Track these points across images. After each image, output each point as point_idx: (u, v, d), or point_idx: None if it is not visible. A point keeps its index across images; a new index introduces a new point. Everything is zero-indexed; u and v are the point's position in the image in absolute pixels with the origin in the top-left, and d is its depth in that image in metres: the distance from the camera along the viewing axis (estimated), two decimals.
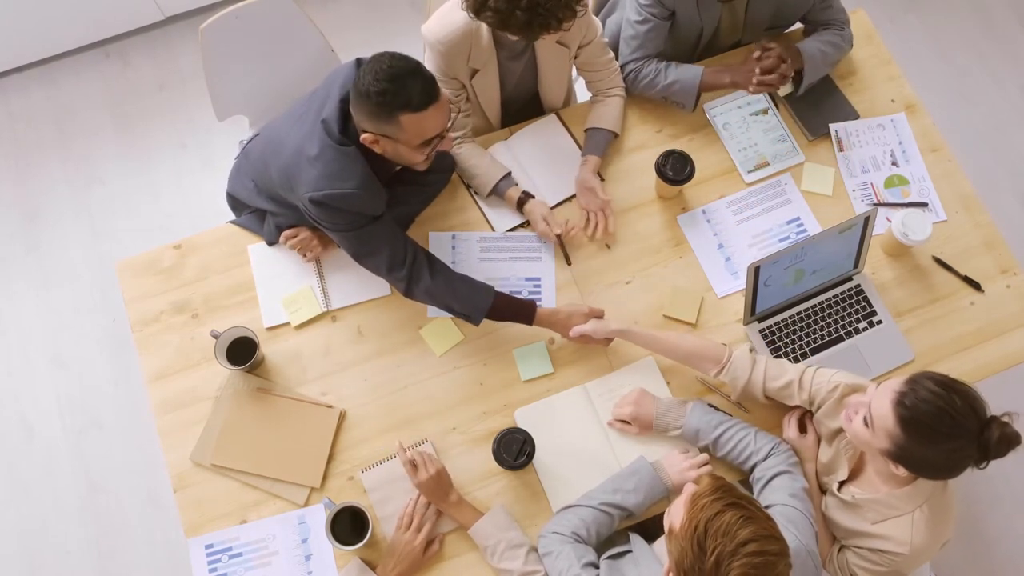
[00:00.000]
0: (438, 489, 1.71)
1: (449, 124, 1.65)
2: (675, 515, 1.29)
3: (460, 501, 1.73)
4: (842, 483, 1.65)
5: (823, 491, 1.71)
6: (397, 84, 1.52)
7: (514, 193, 1.99)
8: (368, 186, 1.68)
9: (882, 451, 1.45)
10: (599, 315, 1.85)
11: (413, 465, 1.70)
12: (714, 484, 1.27)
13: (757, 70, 1.94)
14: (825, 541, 1.68)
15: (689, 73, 2.02)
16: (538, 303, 1.90)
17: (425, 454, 1.73)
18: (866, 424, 1.45)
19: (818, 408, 1.67)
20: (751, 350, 1.75)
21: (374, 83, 1.53)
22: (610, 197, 1.99)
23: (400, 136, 1.60)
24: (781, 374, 1.69)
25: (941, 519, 1.54)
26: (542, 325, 1.85)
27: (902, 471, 1.45)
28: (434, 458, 1.73)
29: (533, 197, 2.00)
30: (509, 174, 2.02)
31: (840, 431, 1.64)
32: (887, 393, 1.41)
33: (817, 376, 1.67)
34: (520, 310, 1.84)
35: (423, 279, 1.79)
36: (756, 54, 1.96)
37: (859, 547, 1.61)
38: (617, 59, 2.09)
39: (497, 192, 2.01)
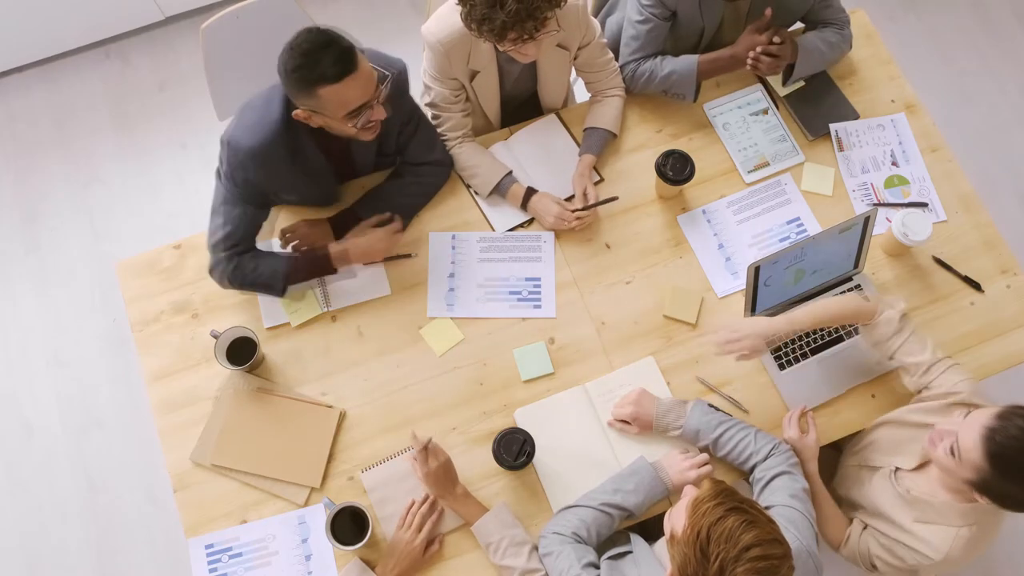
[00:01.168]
0: (445, 480, 1.70)
1: (378, 93, 1.65)
2: (676, 520, 1.28)
3: (466, 494, 1.73)
4: (899, 470, 1.65)
5: (872, 467, 1.71)
6: (310, 59, 1.54)
7: (518, 190, 1.99)
8: (261, 158, 1.70)
9: (966, 481, 1.45)
10: (398, 230, 1.90)
11: (425, 451, 1.69)
12: (715, 489, 1.27)
13: (758, 49, 1.95)
14: (839, 526, 1.71)
15: (685, 61, 2.02)
16: (534, 304, 1.92)
17: (433, 445, 1.72)
18: (952, 454, 1.45)
19: (920, 399, 1.67)
20: (902, 315, 1.72)
21: (289, 60, 1.56)
22: (595, 192, 1.99)
23: (324, 109, 1.62)
24: (915, 352, 1.68)
25: (982, 542, 1.55)
26: (345, 263, 1.90)
27: (984, 500, 1.45)
28: (440, 449, 1.72)
29: (537, 191, 2.00)
30: (510, 172, 2.02)
31: (926, 426, 1.63)
32: (976, 427, 1.41)
33: (947, 374, 1.66)
34: (316, 261, 1.88)
35: (226, 271, 1.83)
36: (764, 36, 1.97)
37: (887, 536, 1.62)
38: (617, 59, 2.09)
39: (499, 190, 2.00)
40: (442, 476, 1.70)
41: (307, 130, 1.73)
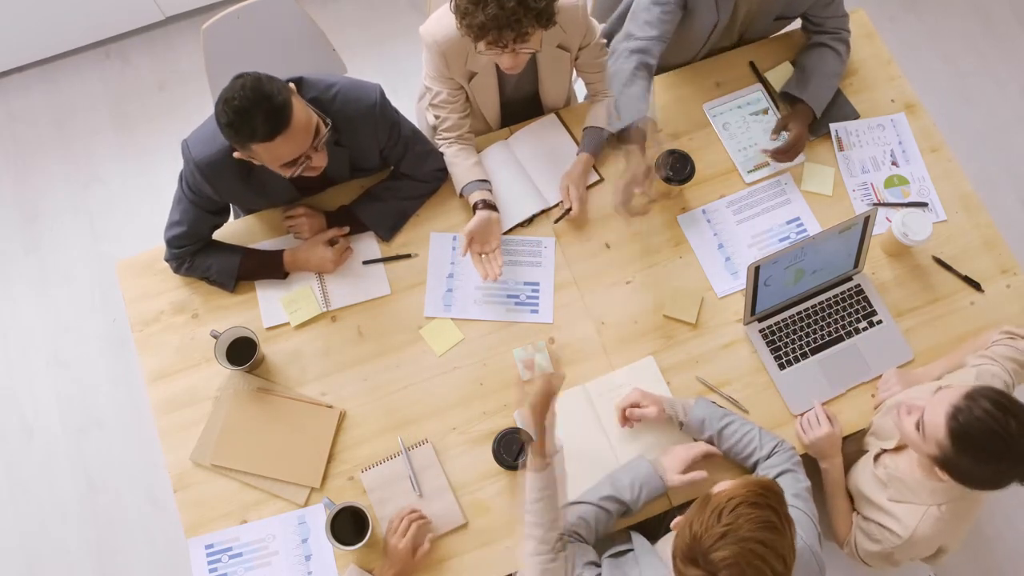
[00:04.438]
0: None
1: (316, 142, 1.63)
2: (725, 484, 1.29)
3: None
4: (883, 452, 1.66)
5: (864, 451, 1.73)
6: (241, 118, 1.52)
7: (474, 198, 1.93)
8: (210, 172, 1.73)
9: (929, 456, 1.45)
10: (347, 248, 1.94)
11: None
12: (773, 486, 1.28)
13: (771, 149, 2.03)
14: (844, 524, 1.73)
15: (631, 106, 1.87)
16: (531, 309, 1.93)
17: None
18: (917, 428, 1.46)
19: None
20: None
21: (223, 114, 1.54)
22: (585, 193, 1.99)
23: (258, 159, 1.62)
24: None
25: (952, 526, 1.55)
26: (296, 269, 1.94)
27: (945, 476, 1.46)
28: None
29: (495, 210, 1.93)
30: (484, 181, 1.96)
31: None
32: (943, 405, 1.42)
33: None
34: (269, 264, 1.93)
35: (180, 267, 1.93)
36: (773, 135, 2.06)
37: (867, 517, 1.65)
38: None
39: (465, 193, 1.97)
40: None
41: None
